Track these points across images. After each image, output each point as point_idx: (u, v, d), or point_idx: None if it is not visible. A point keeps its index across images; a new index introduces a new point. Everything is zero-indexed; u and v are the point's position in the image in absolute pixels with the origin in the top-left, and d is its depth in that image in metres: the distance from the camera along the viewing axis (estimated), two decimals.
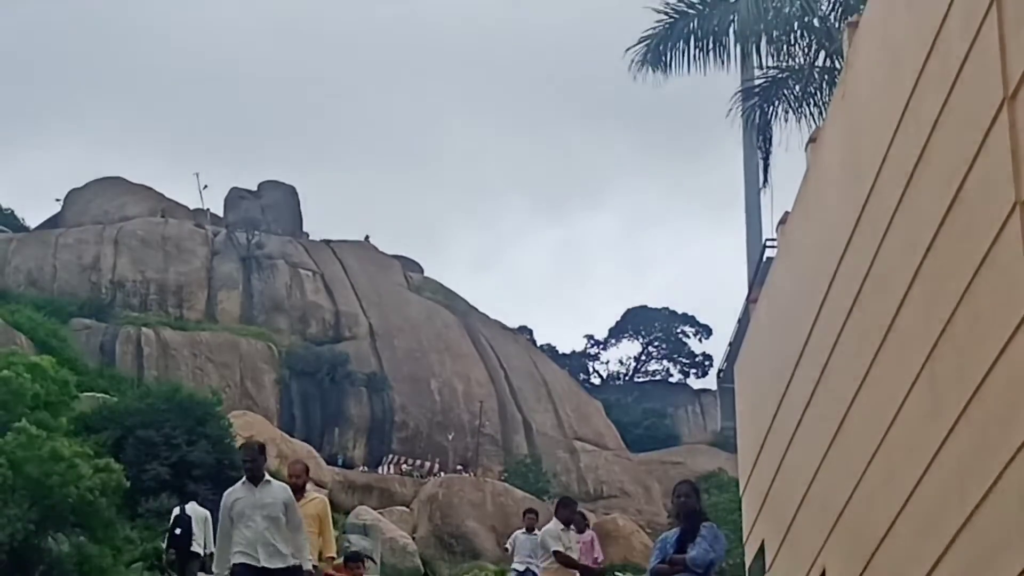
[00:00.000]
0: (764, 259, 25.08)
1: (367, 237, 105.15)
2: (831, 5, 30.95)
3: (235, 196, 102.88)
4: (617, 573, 52.26)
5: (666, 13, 33.08)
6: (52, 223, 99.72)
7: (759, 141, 33.59)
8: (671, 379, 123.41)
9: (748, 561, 23.08)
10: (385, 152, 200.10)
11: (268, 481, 16.27)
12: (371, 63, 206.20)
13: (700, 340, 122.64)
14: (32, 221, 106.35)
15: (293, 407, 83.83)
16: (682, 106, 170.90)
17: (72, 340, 76.03)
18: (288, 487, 16.82)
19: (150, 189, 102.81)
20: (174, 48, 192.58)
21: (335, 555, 20.09)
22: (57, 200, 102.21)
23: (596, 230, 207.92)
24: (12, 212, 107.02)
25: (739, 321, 26.86)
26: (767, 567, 21.10)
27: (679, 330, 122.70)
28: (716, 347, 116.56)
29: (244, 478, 16.43)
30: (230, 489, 16.34)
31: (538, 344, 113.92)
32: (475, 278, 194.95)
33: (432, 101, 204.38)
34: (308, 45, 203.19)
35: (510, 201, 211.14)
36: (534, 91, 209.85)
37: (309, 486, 20.00)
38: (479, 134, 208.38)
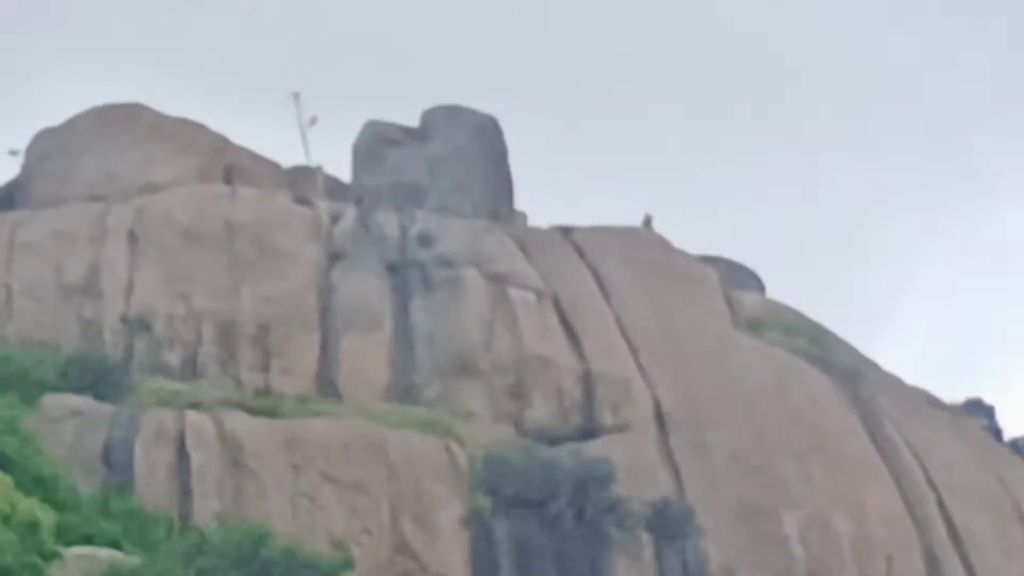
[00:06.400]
0: None
1: (648, 220, 77.40)
2: None
3: (374, 139, 75.47)
4: None
5: None
6: (4, 198, 76.91)
7: None
8: None
9: None
10: (683, 48, 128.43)
11: None
12: None
13: None
14: None
15: (500, 573, 62.93)
16: None
17: (46, 439, 59.16)
18: None
19: (202, 127, 76.30)
20: None
21: None
22: (13, 153, 77.35)
23: None
24: None
25: None
26: None
27: None
28: None
29: None
30: None
31: (1005, 437, 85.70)
32: (878, 305, 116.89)
33: None
34: None
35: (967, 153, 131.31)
36: None
37: None
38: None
